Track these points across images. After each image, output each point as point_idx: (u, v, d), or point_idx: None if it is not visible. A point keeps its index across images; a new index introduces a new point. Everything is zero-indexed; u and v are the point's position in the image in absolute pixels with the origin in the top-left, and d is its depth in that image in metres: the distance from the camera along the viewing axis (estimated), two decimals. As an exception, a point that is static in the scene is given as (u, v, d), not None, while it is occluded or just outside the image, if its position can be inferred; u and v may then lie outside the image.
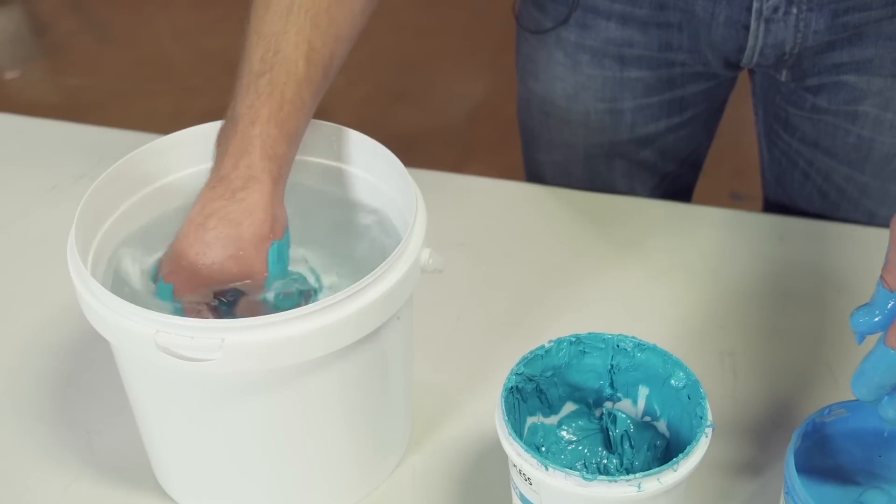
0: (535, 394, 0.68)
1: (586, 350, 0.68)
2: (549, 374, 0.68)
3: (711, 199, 1.09)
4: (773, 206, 1.09)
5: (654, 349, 0.66)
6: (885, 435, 0.66)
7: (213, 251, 0.66)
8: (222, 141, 0.69)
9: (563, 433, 0.71)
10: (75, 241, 0.65)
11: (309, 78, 0.70)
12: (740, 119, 1.23)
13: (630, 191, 1.09)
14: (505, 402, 0.63)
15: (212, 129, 0.76)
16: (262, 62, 0.68)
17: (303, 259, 0.74)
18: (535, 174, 1.14)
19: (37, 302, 0.90)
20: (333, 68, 0.72)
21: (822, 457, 0.67)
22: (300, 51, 0.69)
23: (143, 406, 0.69)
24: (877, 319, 0.59)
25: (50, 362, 0.85)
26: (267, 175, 0.67)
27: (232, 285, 0.67)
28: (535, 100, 1.08)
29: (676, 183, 1.12)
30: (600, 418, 0.70)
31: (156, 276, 0.69)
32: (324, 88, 0.72)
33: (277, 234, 0.68)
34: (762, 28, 0.91)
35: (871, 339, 0.59)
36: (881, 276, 0.58)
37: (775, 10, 0.90)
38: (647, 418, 0.69)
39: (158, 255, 0.71)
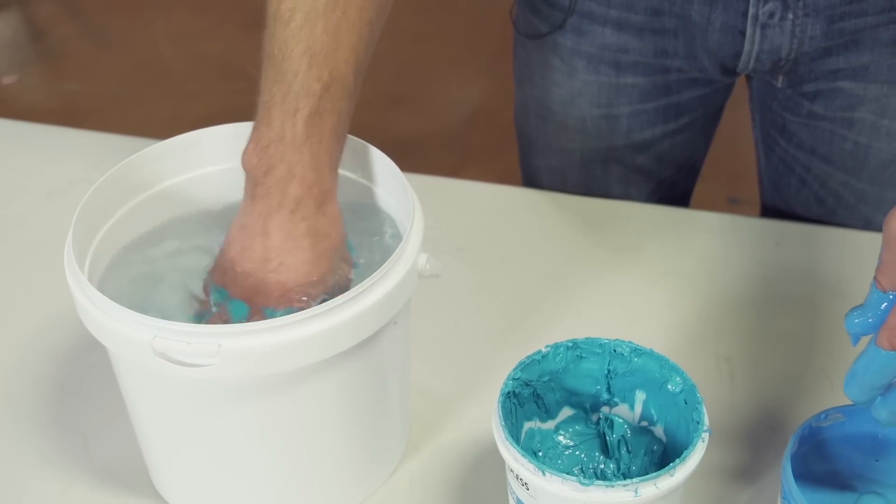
0: (532, 399, 0.68)
1: (583, 355, 0.68)
2: (546, 379, 0.68)
3: (709, 204, 1.09)
4: (771, 211, 1.10)
5: (650, 354, 0.66)
6: (880, 437, 0.66)
7: (320, 267, 0.69)
8: (276, 163, 0.68)
9: (561, 438, 0.71)
10: (72, 246, 0.65)
11: (356, 88, 0.72)
12: (738, 124, 1.23)
13: (626, 196, 1.09)
14: (502, 407, 0.63)
15: (210, 133, 0.76)
16: (320, 81, 0.69)
17: None
18: (531, 179, 1.14)
19: (34, 307, 0.90)
20: (366, 72, 0.74)
21: (819, 461, 0.67)
22: (350, 65, 0.70)
23: (140, 411, 0.69)
24: (870, 321, 0.59)
25: (47, 367, 0.85)
26: (335, 185, 0.71)
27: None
28: (531, 105, 1.08)
29: (673, 188, 1.12)
30: (597, 423, 0.70)
31: (254, 307, 0.70)
32: (359, 92, 0.73)
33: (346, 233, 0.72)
34: (758, 34, 0.91)
35: (866, 341, 0.60)
36: (875, 278, 0.59)
37: (771, 15, 0.90)
38: (644, 423, 0.69)
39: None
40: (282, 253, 0.68)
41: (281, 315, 0.66)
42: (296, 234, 0.68)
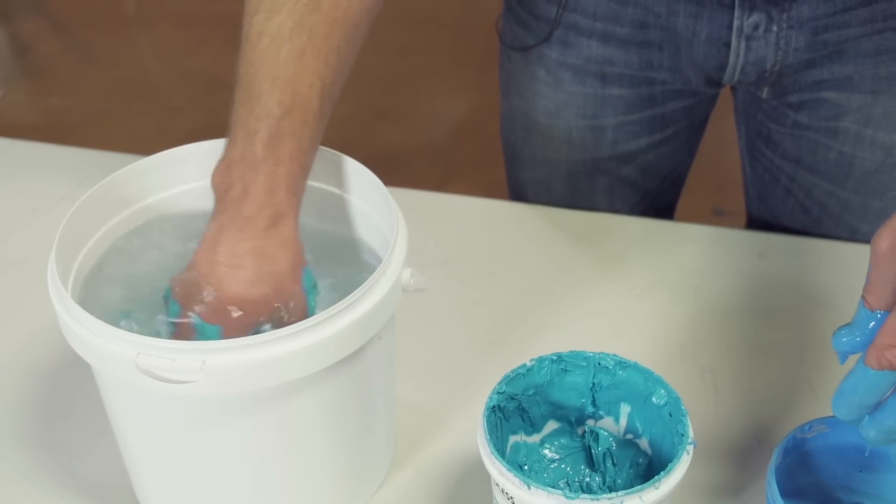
0: (517, 412, 0.68)
1: (568, 368, 0.68)
2: (531, 392, 0.68)
3: (694, 216, 1.09)
4: (757, 222, 1.10)
5: (635, 367, 0.66)
6: (867, 455, 0.66)
7: (258, 288, 0.67)
8: (234, 182, 0.68)
9: (546, 451, 0.71)
10: (56, 263, 0.65)
11: (322, 113, 0.71)
12: (723, 135, 1.24)
13: (612, 207, 1.10)
14: (487, 421, 0.63)
15: (196, 149, 0.76)
16: (281, 104, 0.69)
17: None
18: (517, 191, 1.15)
19: (17, 324, 0.90)
20: (337, 97, 0.74)
21: (804, 473, 0.67)
22: (315, 90, 0.70)
23: (125, 428, 0.69)
24: (858, 339, 0.59)
25: (30, 384, 0.84)
26: (292, 210, 0.69)
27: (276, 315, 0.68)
28: (517, 116, 1.08)
29: (658, 200, 1.12)
30: (583, 436, 0.70)
31: (182, 319, 0.69)
32: (329, 117, 0.73)
33: (303, 261, 0.70)
34: (743, 45, 0.92)
35: (854, 359, 0.60)
36: (862, 296, 0.59)
37: (756, 27, 0.90)
38: (630, 436, 0.69)
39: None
40: (223, 268, 0.67)
41: (214, 330, 0.67)
42: (239, 251, 0.67)
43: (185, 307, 0.68)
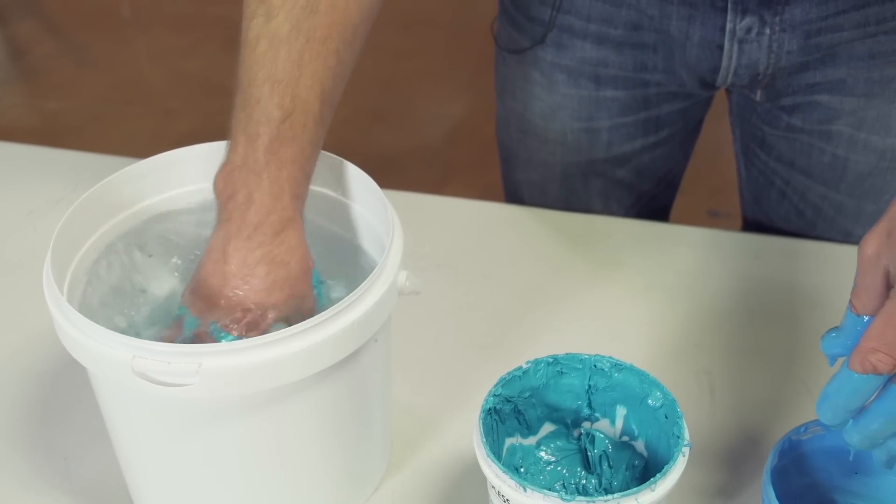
0: (513, 415, 0.68)
1: (564, 371, 0.68)
2: (527, 395, 0.68)
3: (690, 217, 1.09)
4: (752, 224, 1.10)
5: (631, 369, 0.67)
6: (851, 458, 0.66)
7: (275, 295, 0.68)
8: (238, 189, 0.68)
9: (542, 454, 0.71)
10: (51, 266, 0.65)
11: (323, 116, 0.71)
12: (718, 137, 1.24)
13: (607, 209, 1.10)
14: (483, 423, 0.63)
15: (190, 152, 0.76)
16: (281, 108, 0.68)
17: None
18: (513, 193, 1.15)
19: (13, 327, 0.90)
20: (337, 101, 0.73)
21: (799, 474, 0.67)
22: (314, 93, 0.70)
23: (121, 431, 0.69)
24: (845, 342, 0.59)
25: (25, 388, 0.84)
26: (298, 213, 0.70)
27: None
28: (512, 118, 1.08)
29: (653, 202, 1.12)
30: (578, 439, 0.71)
31: (201, 332, 0.69)
32: (330, 120, 0.73)
33: (311, 261, 0.71)
34: (736, 48, 0.92)
35: (843, 361, 0.60)
36: (850, 301, 0.59)
37: (749, 30, 0.90)
38: (625, 438, 0.69)
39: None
40: (236, 279, 0.67)
41: (231, 338, 0.66)
42: (251, 260, 0.67)
43: (202, 320, 0.68)
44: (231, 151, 0.69)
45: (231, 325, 0.67)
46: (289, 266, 0.68)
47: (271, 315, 0.68)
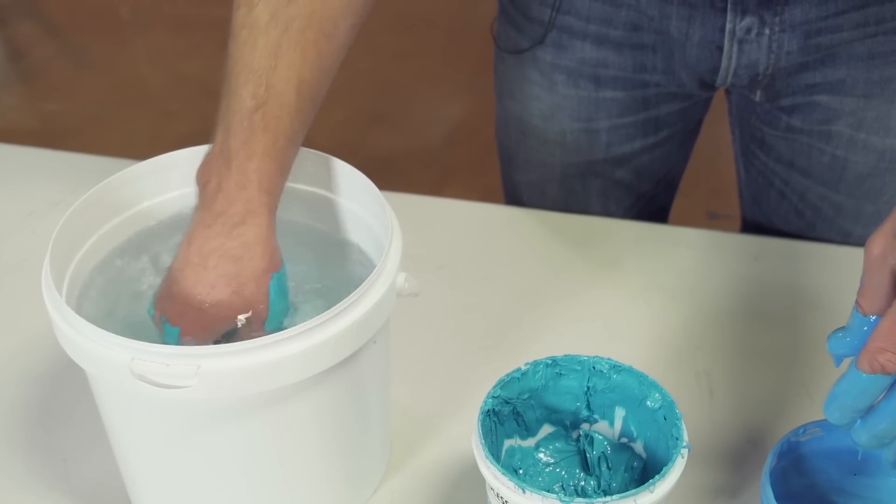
0: (512, 416, 0.68)
1: (563, 372, 0.68)
2: (525, 396, 0.68)
3: (689, 219, 1.09)
4: (752, 225, 1.10)
5: (629, 371, 0.67)
6: (860, 458, 0.66)
7: (217, 290, 0.66)
8: (211, 177, 0.68)
9: (541, 455, 0.71)
10: (50, 268, 0.65)
11: (300, 109, 0.70)
12: (717, 138, 1.24)
13: (606, 210, 1.10)
14: (482, 425, 0.63)
15: (189, 154, 0.76)
16: (254, 98, 0.68)
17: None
18: (512, 194, 1.15)
19: (12, 329, 0.90)
20: (320, 98, 0.72)
21: (798, 476, 0.67)
22: (291, 84, 0.69)
23: (120, 433, 0.69)
24: (852, 342, 0.59)
25: (24, 390, 0.84)
26: (265, 208, 0.68)
27: (237, 320, 0.67)
28: (512, 119, 1.08)
29: (652, 203, 1.12)
30: (577, 440, 0.71)
31: (155, 317, 0.69)
32: (312, 117, 0.72)
33: (276, 265, 0.68)
34: (735, 49, 0.92)
35: (848, 362, 0.60)
36: (856, 301, 0.59)
37: (748, 31, 0.90)
38: (624, 440, 0.69)
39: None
40: (191, 267, 0.66)
41: (175, 331, 0.66)
42: (205, 250, 0.66)
43: (156, 307, 0.68)
44: (212, 141, 0.69)
45: (175, 319, 0.66)
46: (240, 262, 0.66)
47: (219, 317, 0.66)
